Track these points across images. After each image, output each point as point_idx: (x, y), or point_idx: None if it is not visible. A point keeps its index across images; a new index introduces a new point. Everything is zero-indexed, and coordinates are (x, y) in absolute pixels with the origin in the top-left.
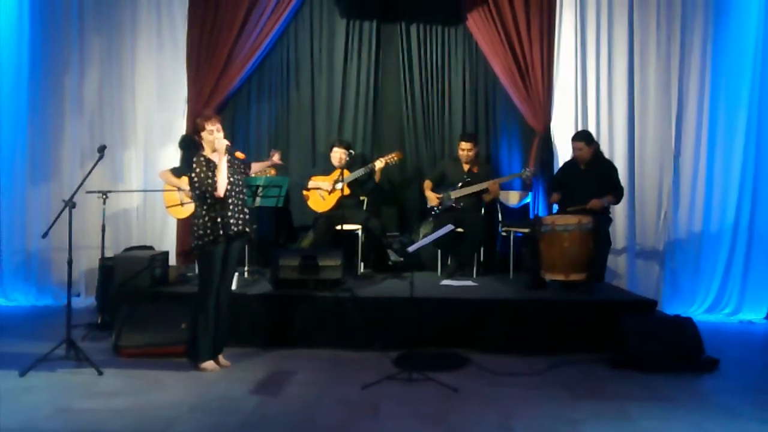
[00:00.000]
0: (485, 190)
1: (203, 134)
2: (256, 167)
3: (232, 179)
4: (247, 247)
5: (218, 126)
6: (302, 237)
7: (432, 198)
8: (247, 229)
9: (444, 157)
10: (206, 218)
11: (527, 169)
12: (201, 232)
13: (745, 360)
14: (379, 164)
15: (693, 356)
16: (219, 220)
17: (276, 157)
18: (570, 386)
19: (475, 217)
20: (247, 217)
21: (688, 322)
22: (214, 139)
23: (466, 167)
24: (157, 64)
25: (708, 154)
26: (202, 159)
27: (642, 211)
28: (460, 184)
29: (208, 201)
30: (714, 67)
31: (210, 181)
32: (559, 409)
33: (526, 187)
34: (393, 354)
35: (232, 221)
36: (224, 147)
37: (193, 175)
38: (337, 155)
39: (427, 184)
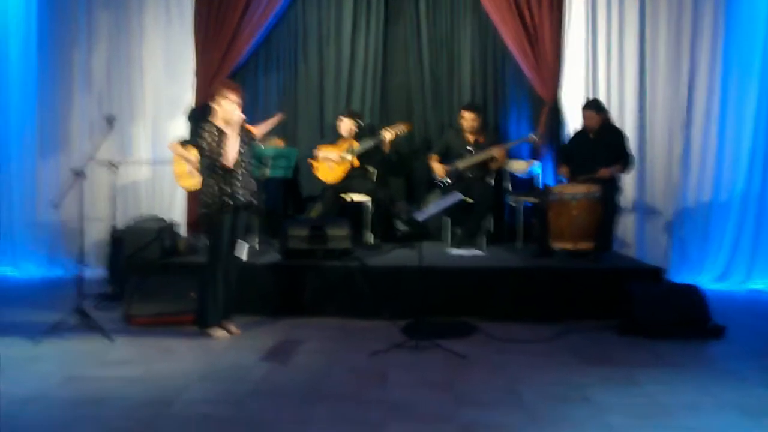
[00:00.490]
0: (492, 158)
1: (221, 101)
2: (261, 129)
3: (240, 150)
4: (256, 218)
5: (239, 99)
6: (311, 207)
7: (438, 169)
8: (254, 200)
9: (452, 125)
10: (215, 187)
11: (534, 133)
12: (209, 201)
13: (753, 327)
14: (387, 135)
15: (700, 323)
16: (226, 189)
17: (279, 115)
18: (577, 353)
19: (482, 186)
20: (254, 188)
21: (695, 289)
22: (231, 110)
23: (471, 138)
24: (164, 37)
25: (719, 122)
26: (214, 128)
27: (651, 179)
28: (469, 153)
29: (216, 170)
30: (726, 35)
31: (219, 149)
32: (567, 375)
33: (534, 157)
34: (401, 323)
35: (239, 192)
36: (240, 121)
37: (202, 142)
38: (347, 126)
39: (433, 157)
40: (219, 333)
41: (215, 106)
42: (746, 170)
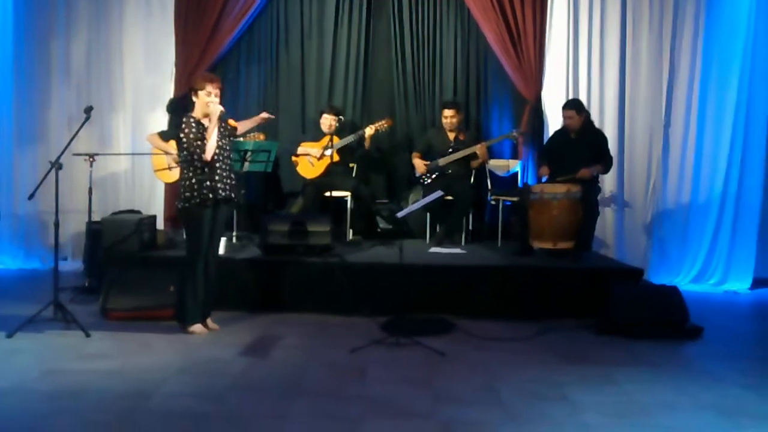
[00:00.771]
0: (473, 155)
1: (200, 94)
2: (244, 125)
3: (220, 143)
4: (235, 212)
5: (217, 91)
6: (291, 203)
7: (420, 166)
8: (234, 195)
9: (434, 124)
10: (193, 181)
11: (516, 130)
12: (188, 194)
13: (730, 328)
14: (369, 131)
15: (678, 324)
16: (206, 183)
17: (264, 114)
18: (556, 351)
19: (464, 184)
20: (234, 182)
21: (674, 290)
22: (209, 102)
23: (451, 135)
24: (145, 27)
25: (698, 124)
26: (192, 121)
27: (631, 180)
28: (450, 151)
29: (196, 164)
30: (706, 37)
31: (199, 142)
32: (546, 374)
33: (515, 156)
34: (381, 319)
35: (219, 185)
36: (218, 112)
37: (182, 135)
38: (327, 122)
39: (415, 154)
40: (198, 329)
41: (194, 99)
42: (724, 172)
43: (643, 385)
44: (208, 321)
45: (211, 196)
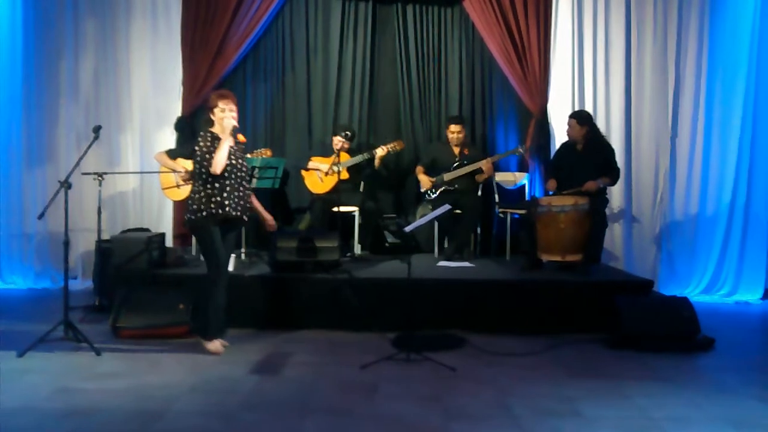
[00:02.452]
0: (479, 170)
1: (215, 111)
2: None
3: (234, 161)
4: (243, 228)
5: (231, 106)
6: (299, 219)
7: (425, 181)
8: (244, 215)
9: (440, 138)
10: (202, 194)
11: (521, 146)
12: (195, 206)
13: (741, 339)
14: (380, 152)
15: (689, 336)
16: (215, 198)
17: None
18: (567, 366)
19: (471, 198)
20: (244, 203)
21: (684, 302)
22: (224, 117)
23: (456, 150)
24: (151, 47)
25: (705, 135)
26: (209, 135)
27: (638, 192)
28: (454, 166)
29: (205, 177)
30: (711, 47)
31: (209, 156)
32: (557, 389)
33: (523, 169)
34: (391, 335)
35: (227, 202)
36: (230, 127)
37: (196, 148)
38: (339, 140)
39: (419, 169)
40: (214, 347)
41: (212, 117)
42: (732, 182)
43: (655, 399)
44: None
45: (219, 211)
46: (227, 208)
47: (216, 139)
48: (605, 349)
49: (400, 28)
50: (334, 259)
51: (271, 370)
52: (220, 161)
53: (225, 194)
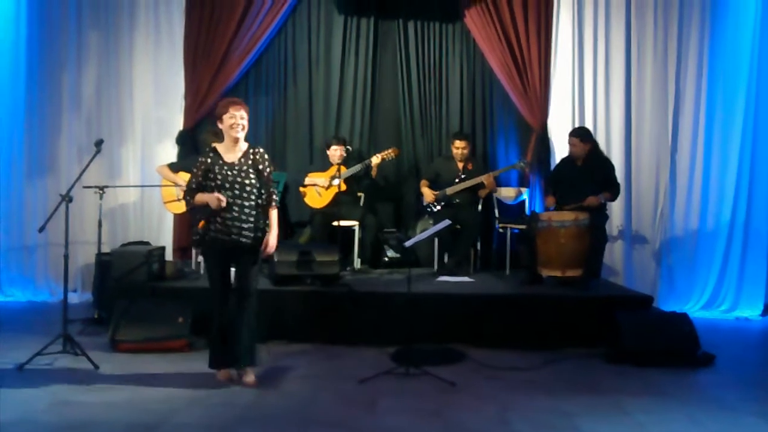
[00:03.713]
0: (481, 185)
1: (224, 118)
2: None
3: (229, 176)
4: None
5: (242, 113)
6: (299, 233)
7: (428, 194)
8: (249, 240)
9: (441, 153)
10: (200, 217)
11: (522, 160)
12: (194, 231)
13: (741, 356)
14: (375, 160)
15: (689, 351)
16: (212, 227)
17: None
18: (566, 380)
19: (471, 213)
20: (254, 224)
21: (684, 317)
22: (230, 125)
23: (460, 165)
24: (154, 60)
25: (705, 150)
26: (209, 151)
27: (638, 207)
28: (456, 180)
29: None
30: (711, 63)
31: (195, 180)
32: (557, 403)
33: (523, 184)
34: (390, 349)
35: (212, 227)
36: (214, 205)
37: (196, 165)
38: (337, 153)
39: (423, 182)
40: (219, 375)
41: (220, 126)
42: (732, 198)
43: (654, 414)
44: (245, 374)
45: (205, 237)
46: (212, 233)
47: (217, 156)
48: (605, 364)
49: (401, 43)
50: (334, 273)
51: (270, 384)
52: (191, 200)
53: (212, 218)
